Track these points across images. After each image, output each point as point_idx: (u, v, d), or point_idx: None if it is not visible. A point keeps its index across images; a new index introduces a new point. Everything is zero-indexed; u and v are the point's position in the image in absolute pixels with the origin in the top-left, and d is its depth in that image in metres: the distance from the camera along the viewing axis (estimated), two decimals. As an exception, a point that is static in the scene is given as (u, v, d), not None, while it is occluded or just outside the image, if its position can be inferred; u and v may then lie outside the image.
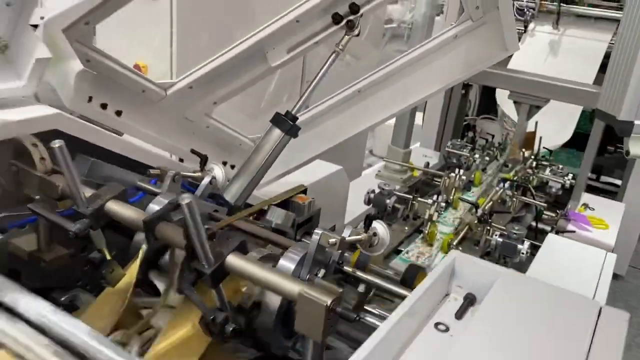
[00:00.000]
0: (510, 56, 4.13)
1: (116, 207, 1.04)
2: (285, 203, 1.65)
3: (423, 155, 3.80)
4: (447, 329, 0.78)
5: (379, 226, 1.21)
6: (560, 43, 4.23)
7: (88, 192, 1.08)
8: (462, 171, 2.93)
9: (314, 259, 1.04)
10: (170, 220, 1.01)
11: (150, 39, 2.40)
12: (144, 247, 1.09)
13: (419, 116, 3.77)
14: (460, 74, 1.97)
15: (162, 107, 1.68)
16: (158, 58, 2.43)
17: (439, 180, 3.08)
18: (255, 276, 0.88)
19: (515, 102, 3.37)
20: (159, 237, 0.98)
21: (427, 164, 3.38)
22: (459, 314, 0.80)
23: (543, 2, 4.24)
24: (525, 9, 4.28)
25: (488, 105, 5.04)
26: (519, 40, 4.05)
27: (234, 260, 0.90)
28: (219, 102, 1.81)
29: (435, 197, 2.54)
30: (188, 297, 0.88)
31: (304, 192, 1.97)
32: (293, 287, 0.85)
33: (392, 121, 3.74)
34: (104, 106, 1.49)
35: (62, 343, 0.71)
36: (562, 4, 4.13)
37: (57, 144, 0.95)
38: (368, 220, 1.21)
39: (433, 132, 4.18)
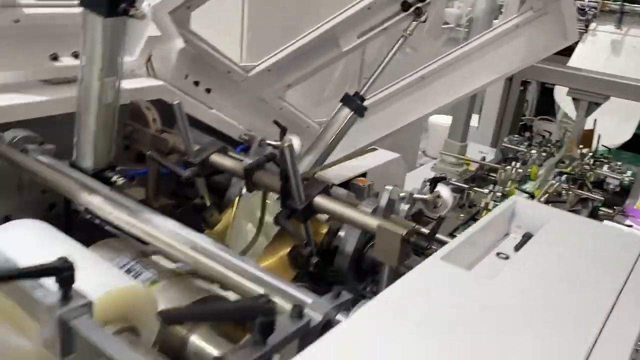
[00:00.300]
0: (571, 54, 4.13)
1: (219, 159, 1.22)
2: (346, 185, 1.80)
3: (479, 151, 3.85)
4: (507, 257, 0.90)
5: (443, 189, 1.34)
6: (622, 43, 4.19)
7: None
8: (518, 164, 2.99)
9: (384, 212, 1.18)
10: (265, 169, 1.18)
11: (222, 25, 2.59)
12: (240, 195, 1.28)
13: (474, 118, 3.83)
14: (520, 63, 2.06)
15: (243, 87, 1.87)
16: (229, 43, 2.62)
17: (494, 175, 3.14)
18: (340, 213, 1.03)
19: (574, 99, 3.39)
20: (256, 183, 1.15)
21: (483, 159, 3.44)
22: (518, 247, 0.93)
23: (605, 1, 4.21)
24: (587, 9, 4.26)
25: (546, 106, 5.02)
26: (580, 40, 4.04)
27: (320, 200, 1.06)
28: (292, 85, 1.98)
29: (491, 186, 2.63)
30: (283, 228, 1.05)
31: (364, 175, 2.12)
32: (373, 221, 0.99)
33: (447, 122, 3.83)
34: (196, 83, 1.70)
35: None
36: (625, 4, 4.09)
37: (176, 100, 1.14)
38: (433, 182, 1.34)
39: (489, 132, 4.22)
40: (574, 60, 3.88)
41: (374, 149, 2.30)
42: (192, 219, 1.23)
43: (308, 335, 0.66)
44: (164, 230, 0.92)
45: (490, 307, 0.68)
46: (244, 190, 1.33)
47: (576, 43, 4.01)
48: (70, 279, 0.66)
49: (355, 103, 1.77)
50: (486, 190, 2.57)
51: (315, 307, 0.69)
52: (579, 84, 3.17)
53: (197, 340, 0.83)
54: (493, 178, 3.20)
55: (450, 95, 2.16)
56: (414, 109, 2.12)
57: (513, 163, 2.99)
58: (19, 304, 0.72)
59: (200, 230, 1.32)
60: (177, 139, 1.31)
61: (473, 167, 3.45)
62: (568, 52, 4.14)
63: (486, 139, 4.23)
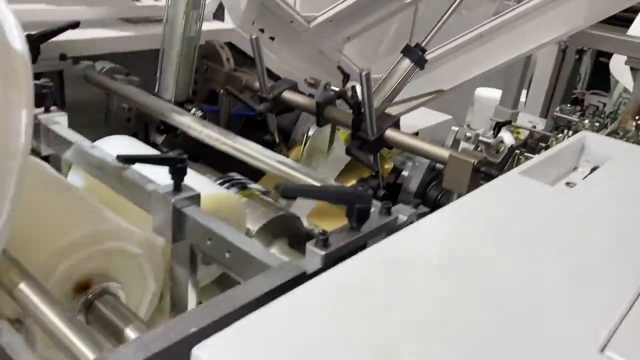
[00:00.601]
0: (630, 23, 3.98)
1: (291, 96, 1.28)
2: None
3: (528, 121, 3.80)
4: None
5: (506, 134, 1.37)
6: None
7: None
8: (571, 132, 2.95)
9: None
10: (335, 105, 1.23)
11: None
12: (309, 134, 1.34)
13: (522, 94, 3.76)
14: (582, 21, 2.03)
15: (304, 38, 1.91)
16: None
17: (543, 144, 3.11)
18: (411, 145, 1.08)
19: (632, 69, 3.29)
20: (327, 117, 1.21)
21: (534, 127, 3.40)
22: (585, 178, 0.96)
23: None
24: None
25: (599, 79, 4.87)
26: (642, 7, 3.87)
27: (391, 133, 1.11)
28: (351, 37, 2.02)
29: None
30: (355, 157, 1.10)
31: (416, 134, 2.14)
32: (444, 152, 1.04)
33: (494, 95, 3.77)
34: (262, 30, 1.75)
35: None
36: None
37: (254, 35, 1.20)
38: (497, 126, 1.37)
39: (538, 105, 4.14)
40: (634, 29, 3.75)
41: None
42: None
43: (394, 231, 0.71)
44: (252, 147, 0.99)
45: (572, 218, 0.71)
46: (310, 132, 1.39)
47: (636, 12, 3.85)
48: (183, 171, 0.73)
49: (416, 54, 1.79)
50: (536, 156, 2.55)
51: (399, 210, 0.74)
52: (639, 52, 3.08)
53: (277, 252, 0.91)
54: (542, 147, 3.17)
55: (508, 53, 2.15)
56: (472, 67, 2.12)
57: (565, 131, 2.95)
58: (130, 196, 0.80)
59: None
60: (249, 77, 1.37)
61: (523, 135, 3.42)
62: (627, 23, 3.99)
63: (535, 113, 4.15)
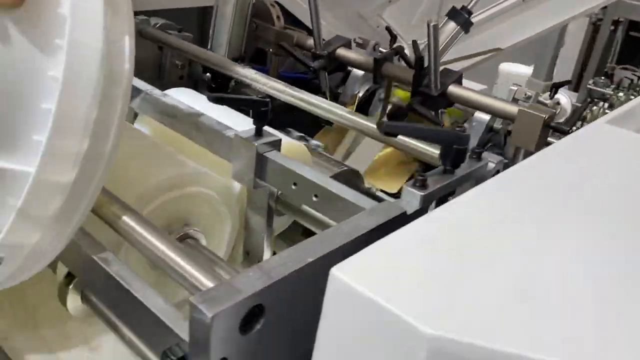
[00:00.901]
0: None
1: (345, 53, 1.25)
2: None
3: (560, 94, 3.73)
4: None
5: (562, 96, 1.34)
6: None
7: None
8: (606, 104, 2.89)
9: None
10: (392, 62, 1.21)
11: None
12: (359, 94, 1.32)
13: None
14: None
15: (346, 0, 1.87)
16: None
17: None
18: (477, 101, 1.06)
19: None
20: (385, 74, 1.18)
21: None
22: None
23: None
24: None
25: (629, 54, 4.74)
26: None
27: (455, 88, 1.08)
28: (392, 0, 1.97)
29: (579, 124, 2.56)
30: (417, 112, 1.08)
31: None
32: (512, 107, 1.01)
33: (519, 70, 3.68)
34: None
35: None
36: None
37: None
38: (554, 88, 1.34)
39: (569, 77, 4.06)
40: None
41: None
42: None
43: (483, 178, 0.70)
44: (321, 100, 0.98)
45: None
46: (360, 94, 1.37)
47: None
48: (266, 115, 0.72)
49: (462, 17, 1.73)
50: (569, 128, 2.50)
51: (486, 157, 0.72)
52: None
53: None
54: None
55: (551, 19, 2.09)
56: (516, 33, 2.07)
57: (600, 103, 2.89)
58: (207, 143, 0.80)
59: (320, 125, 1.38)
60: (300, 35, 1.35)
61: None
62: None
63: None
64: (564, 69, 4.11)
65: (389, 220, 0.56)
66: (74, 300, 0.63)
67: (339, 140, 1.30)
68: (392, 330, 0.37)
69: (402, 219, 0.58)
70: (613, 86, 3.40)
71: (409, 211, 0.59)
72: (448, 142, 0.61)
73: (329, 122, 1.35)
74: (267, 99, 0.71)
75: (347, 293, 0.39)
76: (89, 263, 0.54)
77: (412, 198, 0.60)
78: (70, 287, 0.63)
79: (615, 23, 3.78)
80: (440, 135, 0.61)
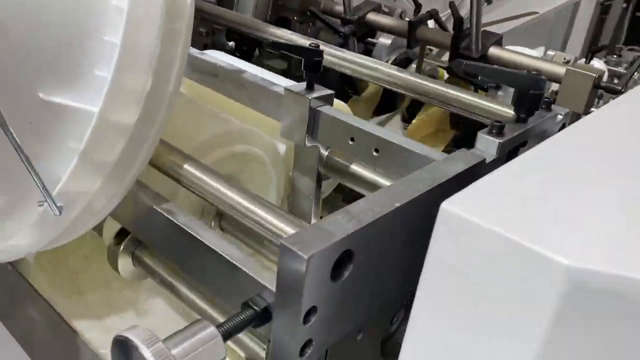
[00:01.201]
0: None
1: (376, 17, 1.21)
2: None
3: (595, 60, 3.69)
4: None
5: (597, 62, 1.30)
6: None
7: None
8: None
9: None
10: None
11: None
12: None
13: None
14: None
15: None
16: None
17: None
18: (520, 62, 1.01)
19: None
20: (420, 38, 1.14)
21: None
22: None
23: None
24: None
25: (636, 35, 4.69)
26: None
27: (495, 50, 1.04)
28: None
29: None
30: (457, 76, 1.04)
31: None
32: (559, 68, 0.97)
33: (535, 54, 3.64)
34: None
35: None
36: None
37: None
38: (591, 52, 1.29)
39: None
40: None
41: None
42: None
43: (551, 132, 0.66)
44: (363, 57, 0.94)
45: None
46: (390, 61, 1.33)
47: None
48: (318, 65, 0.68)
49: (487, -14, 1.69)
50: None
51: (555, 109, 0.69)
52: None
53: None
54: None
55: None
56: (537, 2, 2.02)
57: (615, 80, 2.85)
58: (251, 100, 0.75)
59: (348, 96, 1.34)
60: (327, 1, 1.30)
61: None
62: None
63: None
64: (572, 51, 4.07)
65: (471, 167, 0.53)
66: (125, 262, 0.60)
67: (369, 108, 1.26)
68: (521, 264, 0.33)
69: (483, 167, 0.54)
70: (625, 65, 3.36)
71: (488, 159, 0.55)
72: (525, 86, 0.57)
73: (356, 92, 1.31)
74: (320, 49, 0.67)
75: (464, 227, 0.35)
76: (151, 215, 0.50)
77: (489, 145, 0.56)
78: (121, 248, 0.60)
79: (627, 1, 3.72)
80: (517, 78, 0.58)
